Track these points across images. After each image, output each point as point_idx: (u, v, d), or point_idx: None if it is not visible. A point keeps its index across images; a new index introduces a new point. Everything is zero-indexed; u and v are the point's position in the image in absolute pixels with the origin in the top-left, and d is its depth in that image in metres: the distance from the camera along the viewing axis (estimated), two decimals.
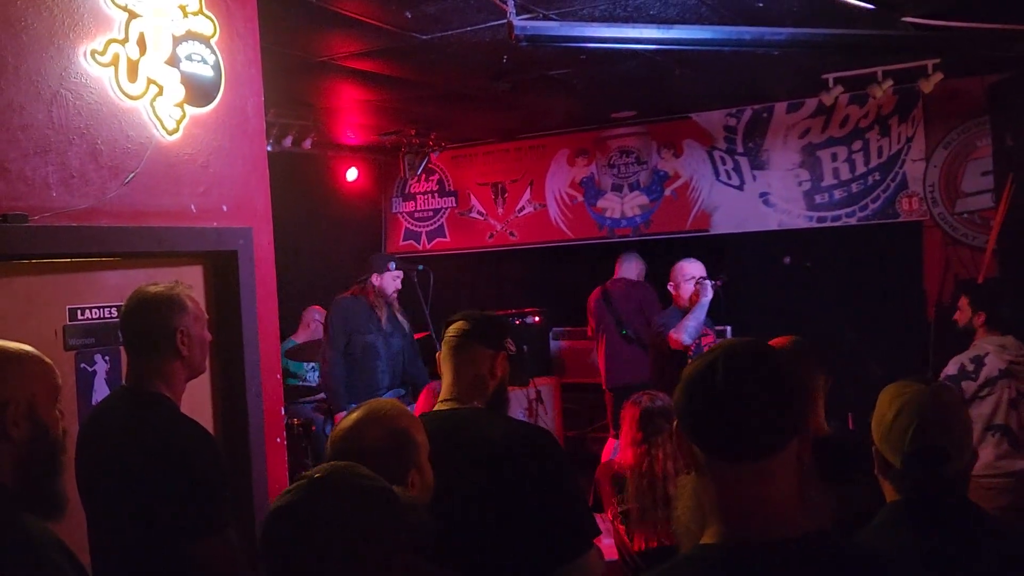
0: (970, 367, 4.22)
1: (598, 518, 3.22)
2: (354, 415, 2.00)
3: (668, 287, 5.30)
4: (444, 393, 2.45)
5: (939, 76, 5.68)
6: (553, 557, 2.21)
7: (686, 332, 4.90)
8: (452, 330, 2.46)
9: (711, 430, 1.35)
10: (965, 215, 6.53)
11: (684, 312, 5.06)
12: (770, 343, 2.71)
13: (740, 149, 7.35)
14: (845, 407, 4.64)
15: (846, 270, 6.49)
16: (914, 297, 6.59)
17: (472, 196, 8.71)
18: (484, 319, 2.49)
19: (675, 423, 1.42)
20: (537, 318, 7.63)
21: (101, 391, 3.08)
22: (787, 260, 6.05)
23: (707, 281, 5.04)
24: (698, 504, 1.41)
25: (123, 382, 2.58)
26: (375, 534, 1.44)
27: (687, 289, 5.10)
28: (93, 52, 2.92)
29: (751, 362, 1.36)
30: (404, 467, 1.95)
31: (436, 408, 2.45)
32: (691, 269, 5.16)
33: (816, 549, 1.34)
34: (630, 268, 6.59)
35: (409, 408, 5.29)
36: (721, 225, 7.47)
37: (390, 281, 5.65)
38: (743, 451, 1.34)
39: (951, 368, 4.28)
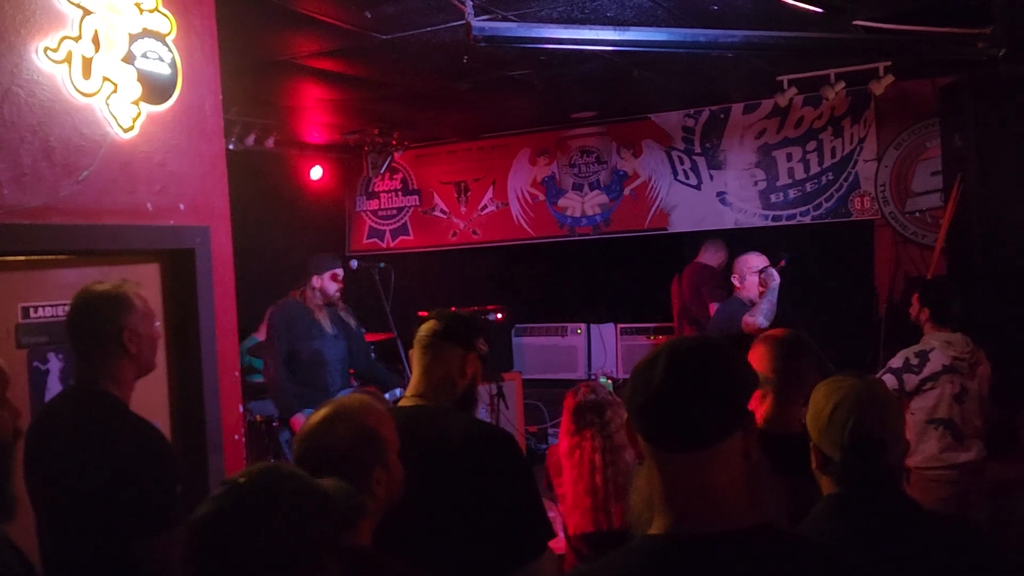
0: (914, 361, 4.32)
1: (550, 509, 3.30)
2: (321, 412, 2.00)
3: (732, 279, 5.54)
4: (411, 390, 2.46)
5: (890, 78, 5.81)
6: (506, 560, 2.23)
7: (762, 315, 5.15)
8: (424, 329, 2.47)
9: (649, 420, 1.40)
10: (916, 214, 6.68)
11: (746, 302, 5.33)
12: (766, 333, 2.76)
13: (698, 149, 7.46)
14: None
15: (800, 268, 6.59)
16: (865, 294, 6.72)
17: (435, 195, 8.74)
18: (456, 319, 2.49)
19: (625, 415, 1.47)
20: (499, 315, 7.68)
21: (54, 389, 3.07)
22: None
23: (771, 269, 5.32)
24: (650, 494, 1.44)
25: (71, 381, 2.58)
26: (303, 538, 1.41)
27: (753, 281, 5.37)
28: (46, 49, 2.91)
29: (692, 356, 1.40)
30: (369, 465, 1.96)
31: (400, 404, 2.46)
32: (756, 261, 5.44)
33: (758, 542, 1.38)
34: (708, 254, 6.57)
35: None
36: (679, 224, 7.57)
37: (330, 283, 5.51)
38: (679, 441, 1.38)
39: (896, 361, 4.38)
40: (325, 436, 1.95)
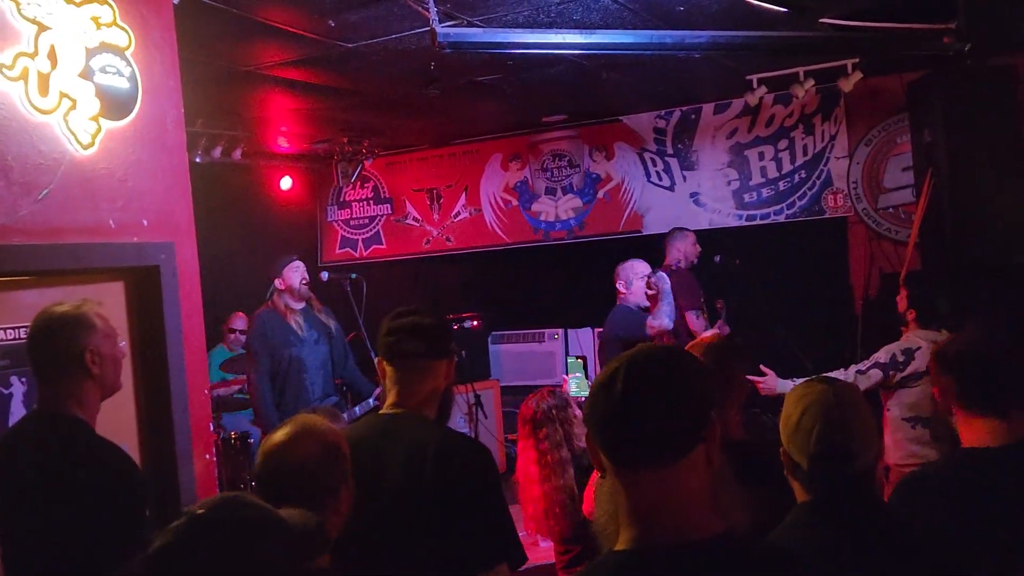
0: (901, 358, 4.31)
1: None
2: (285, 429, 1.97)
3: (617, 285, 5.52)
4: (393, 401, 2.39)
5: (858, 75, 5.83)
6: (464, 566, 2.21)
7: (666, 316, 5.15)
8: (402, 350, 2.37)
9: (613, 440, 1.37)
10: (888, 210, 6.71)
11: (632, 308, 5.35)
12: (696, 340, 2.77)
13: (670, 150, 7.46)
14: (777, 403, 4.73)
15: (775, 267, 6.60)
16: (841, 291, 6.74)
17: (407, 203, 8.69)
18: (433, 332, 2.40)
19: (586, 433, 1.44)
20: (475, 322, 7.64)
21: (18, 414, 3.00)
22: (717, 259, 6.15)
23: (660, 272, 5.33)
24: (614, 508, 1.42)
25: (35, 405, 2.52)
26: (264, 570, 1.38)
27: (639, 286, 5.37)
28: (1, 66, 2.85)
29: (650, 371, 1.37)
30: (337, 481, 1.95)
31: (382, 411, 2.42)
32: (641, 268, 5.46)
33: (725, 551, 1.36)
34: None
35: (352, 413, 5.18)
36: (654, 225, 7.55)
37: (292, 275, 5.36)
38: (644, 460, 1.35)
39: (883, 355, 4.36)
40: (293, 454, 1.92)
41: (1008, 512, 2.13)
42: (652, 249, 7.38)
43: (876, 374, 4.28)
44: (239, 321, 6.90)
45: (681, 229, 6.44)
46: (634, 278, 5.41)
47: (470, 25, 4.40)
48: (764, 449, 2.62)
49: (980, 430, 2.28)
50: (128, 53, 3.27)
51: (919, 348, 4.31)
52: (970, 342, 2.41)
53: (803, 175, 6.98)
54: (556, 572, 3.64)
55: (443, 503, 2.20)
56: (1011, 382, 2.28)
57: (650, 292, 5.26)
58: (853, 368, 4.38)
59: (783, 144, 7.04)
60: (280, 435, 1.95)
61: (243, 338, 6.51)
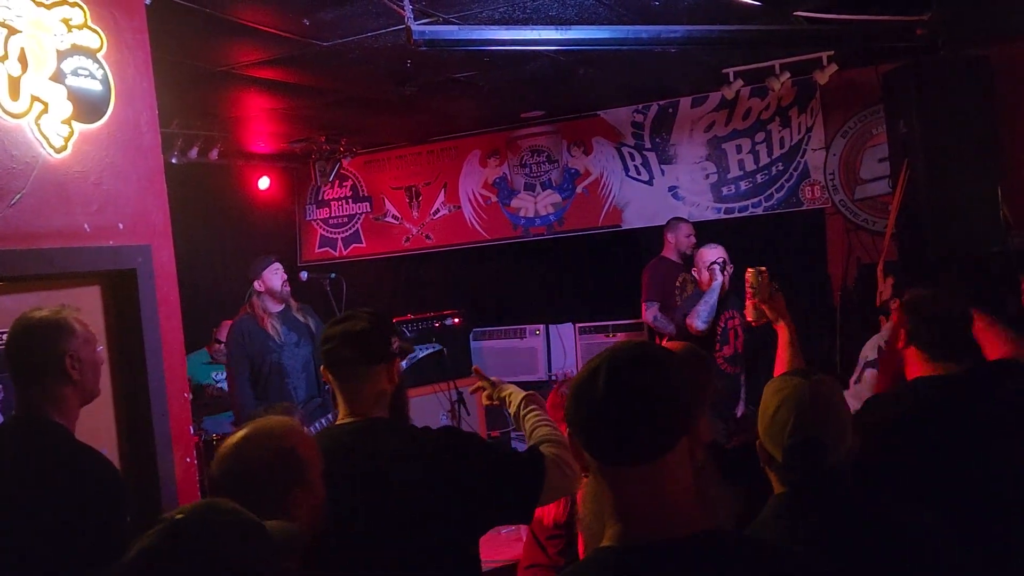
0: (887, 347, 4.31)
1: None
2: (240, 433, 1.98)
3: (692, 272, 5.64)
4: (344, 412, 2.36)
5: (833, 67, 5.87)
6: (530, 495, 2.28)
7: (698, 318, 5.19)
8: (338, 358, 2.33)
9: (597, 437, 1.37)
10: (865, 201, 6.75)
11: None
12: (661, 346, 2.79)
13: (648, 144, 7.47)
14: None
15: (754, 259, 6.60)
16: (820, 283, 6.78)
17: (386, 200, 8.67)
18: (366, 338, 2.33)
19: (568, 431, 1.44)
20: (457, 319, 7.62)
21: None
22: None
23: (716, 266, 5.33)
24: (598, 507, 1.42)
25: (13, 411, 2.50)
26: (243, 574, 1.38)
27: (706, 275, 5.42)
28: None
29: (633, 368, 1.37)
30: (286, 485, 1.92)
31: (339, 422, 2.39)
32: (709, 255, 5.47)
33: (711, 546, 1.37)
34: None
35: (329, 416, 5.15)
36: (633, 220, 7.57)
37: (272, 277, 5.34)
38: (629, 456, 1.35)
39: (869, 352, 4.30)
40: (240, 457, 1.92)
41: None
42: (632, 244, 7.44)
43: (871, 374, 4.25)
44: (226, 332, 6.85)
45: (677, 219, 6.52)
46: (703, 267, 5.45)
47: (445, 22, 4.39)
48: (731, 450, 2.70)
49: None
50: (100, 55, 3.24)
51: None
52: None
53: (780, 167, 7.01)
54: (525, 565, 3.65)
55: (459, 491, 2.22)
56: None
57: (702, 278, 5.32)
58: (853, 386, 4.34)
59: (760, 137, 7.07)
60: (232, 440, 1.96)
61: None
